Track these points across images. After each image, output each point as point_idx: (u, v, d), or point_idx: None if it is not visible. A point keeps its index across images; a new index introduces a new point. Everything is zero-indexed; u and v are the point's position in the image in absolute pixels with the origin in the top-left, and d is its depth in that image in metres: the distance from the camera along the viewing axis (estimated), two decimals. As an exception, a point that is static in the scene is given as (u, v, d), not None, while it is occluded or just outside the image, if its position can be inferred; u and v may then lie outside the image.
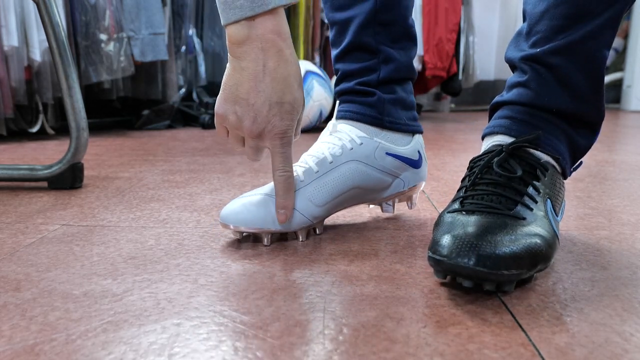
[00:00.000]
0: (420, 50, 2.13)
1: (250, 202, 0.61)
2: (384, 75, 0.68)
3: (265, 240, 0.61)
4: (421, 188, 0.74)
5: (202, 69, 2.01)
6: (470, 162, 0.59)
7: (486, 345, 0.39)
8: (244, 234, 0.62)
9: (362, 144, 0.66)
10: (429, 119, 2.38)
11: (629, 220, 0.73)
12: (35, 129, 1.62)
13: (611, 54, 3.06)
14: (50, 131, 1.66)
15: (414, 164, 0.70)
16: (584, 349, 0.38)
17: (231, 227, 0.61)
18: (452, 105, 2.90)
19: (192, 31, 1.98)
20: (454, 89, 2.27)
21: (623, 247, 0.61)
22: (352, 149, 0.65)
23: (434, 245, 0.47)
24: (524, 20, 0.61)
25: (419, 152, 0.71)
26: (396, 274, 0.53)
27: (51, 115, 1.67)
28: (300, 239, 0.63)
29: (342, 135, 0.66)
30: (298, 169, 0.64)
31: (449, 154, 1.33)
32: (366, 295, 0.47)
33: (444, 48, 2.15)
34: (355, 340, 0.40)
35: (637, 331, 0.41)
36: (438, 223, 0.52)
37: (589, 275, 0.52)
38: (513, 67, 0.63)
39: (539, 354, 0.38)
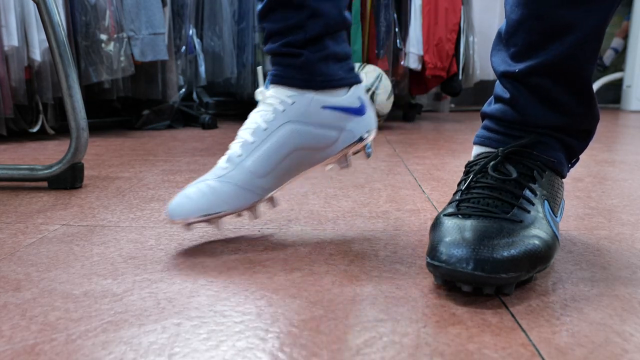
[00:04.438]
0: (420, 50, 2.13)
1: (187, 193, 0.59)
2: (312, 33, 0.61)
3: (217, 226, 0.60)
4: (373, 135, 0.68)
5: (202, 69, 2.01)
6: (466, 166, 0.58)
7: (486, 345, 0.39)
8: (193, 223, 0.59)
9: (294, 102, 0.62)
10: (429, 119, 2.38)
11: (628, 220, 0.73)
12: (35, 129, 1.62)
13: (611, 54, 3.06)
14: (50, 131, 1.66)
15: (357, 111, 0.65)
16: (584, 349, 0.38)
17: (178, 220, 0.58)
18: (452, 105, 2.90)
19: (192, 31, 1.98)
20: (454, 89, 2.27)
21: (623, 247, 0.61)
22: (284, 110, 0.61)
23: (432, 251, 0.47)
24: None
25: (359, 98, 0.65)
26: (396, 274, 0.53)
27: (51, 115, 1.67)
28: (255, 217, 0.62)
29: (272, 100, 0.62)
30: (235, 145, 0.62)
31: (449, 154, 1.33)
32: (366, 295, 0.47)
33: (444, 48, 2.15)
34: (355, 340, 0.40)
35: (637, 331, 0.41)
36: (435, 226, 0.52)
37: (588, 275, 0.53)
38: None
39: (539, 354, 0.38)
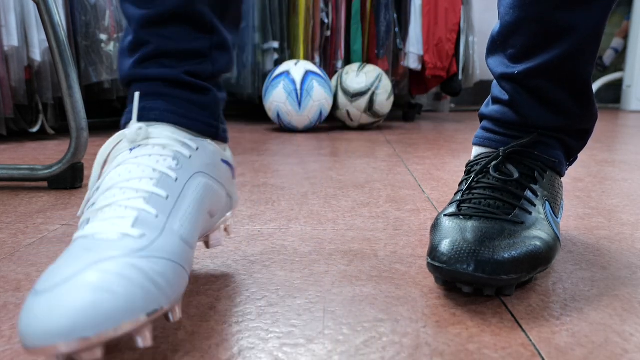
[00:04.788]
0: (420, 50, 2.13)
1: (97, 283, 0.33)
2: (218, 67, 0.49)
3: (143, 339, 0.34)
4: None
5: (202, 69, 2.01)
6: (467, 165, 0.58)
7: (486, 345, 0.39)
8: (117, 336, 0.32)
9: (198, 148, 0.46)
10: (429, 119, 2.38)
11: (628, 220, 0.73)
12: (35, 129, 1.62)
13: (611, 54, 3.06)
14: (50, 131, 1.66)
15: (233, 174, 0.54)
16: (584, 349, 0.38)
17: (94, 337, 0.31)
18: (452, 105, 2.90)
19: (192, 31, 1.98)
20: (454, 89, 2.27)
21: (623, 247, 0.61)
22: (190, 157, 0.45)
23: (433, 252, 0.47)
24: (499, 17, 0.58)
25: (233, 160, 0.54)
26: (396, 274, 0.53)
27: (51, 115, 1.67)
28: (172, 319, 0.38)
29: (163, 141, 0.44)
30: (132, 201, 0.39)
31: (449, 154, 1.33)
32: (366, 295, 0.47)
33: (444, 48, 2.15)
34: (355, 340, 0.40)
35: (637, 331, 0.41)
36: (435, 226, 0.51)
37: (588, 275, 0.53)
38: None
39: (539, 354, 0.38)
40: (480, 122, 0.62)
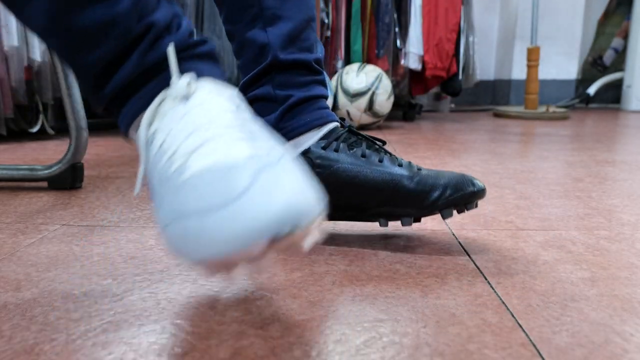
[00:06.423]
0: (420, 50, 2.13)
1: (302, 177, 0.33)
2: (178, 13, 0.48)
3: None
4: None
5: (202, 69, 2.01)
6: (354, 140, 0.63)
7: (486, 345, 0.39)
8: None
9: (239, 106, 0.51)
10: (429, 119, 2.38)
11: (629, 220, 0.73)
12: (35, 129, 1.62)
13: (611, 54, 3.06)
14: (50, 131, 1.66)
15: None
16: (584, 349, 0.38)
17: (317, 219, 0.33)
18: (452, 105, 2.90)
19: (192, 31, 1.98)
20: (454, 89, 2.27)
21: (623, 247, 0.61)
22: (238, 107, 0.47)
23: (472, 184, 0.58)
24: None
25: None
26: (396, 274, 0.53)
27: (51, 115, 1.67)
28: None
29: (215, 88, 0.44)
30: (229, 132, 0.38)
31: (449, 154, 1.33)
32: (366, 295, 0.47)
33: (444, 48, 2.15)
34: (355, 340, 0.40)
35: (637, 331, 0.41)
36: (427, 175, 0.59)
37: (588, 275, 0.53)
38: (301, 66, 0.64)
39: (539, 354, 0.38)
40: (307, 102, 0.64)
